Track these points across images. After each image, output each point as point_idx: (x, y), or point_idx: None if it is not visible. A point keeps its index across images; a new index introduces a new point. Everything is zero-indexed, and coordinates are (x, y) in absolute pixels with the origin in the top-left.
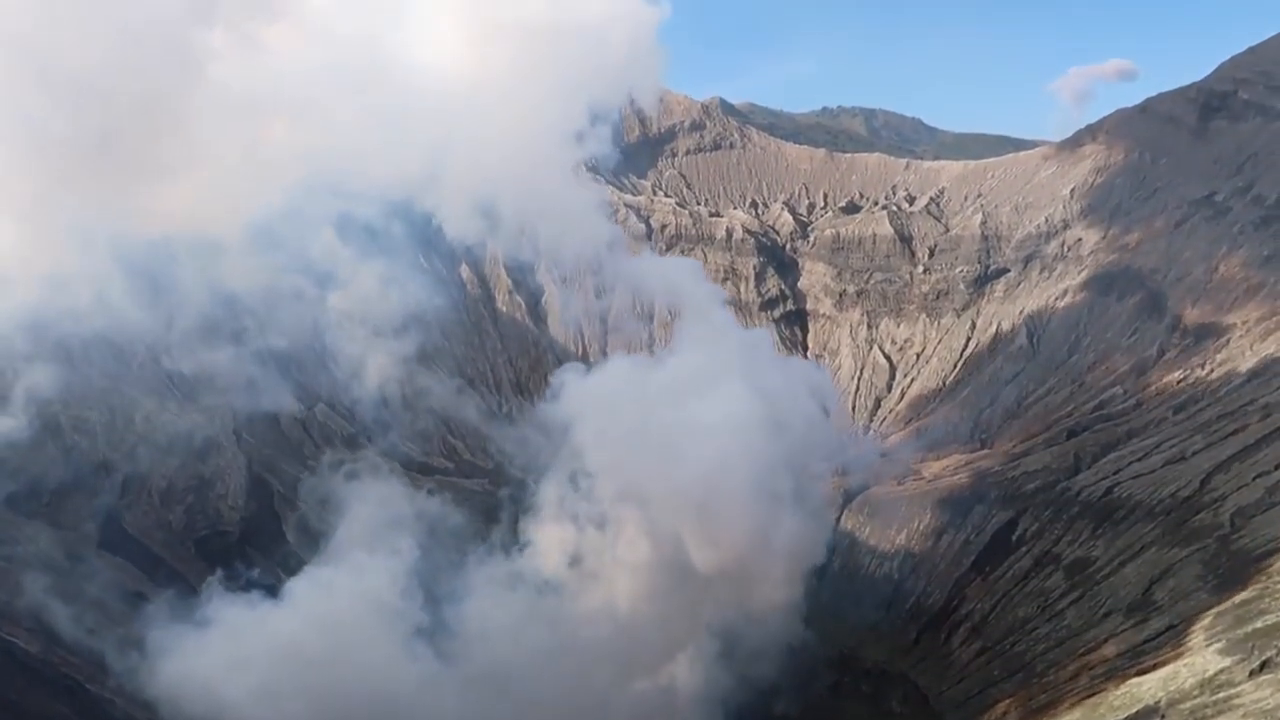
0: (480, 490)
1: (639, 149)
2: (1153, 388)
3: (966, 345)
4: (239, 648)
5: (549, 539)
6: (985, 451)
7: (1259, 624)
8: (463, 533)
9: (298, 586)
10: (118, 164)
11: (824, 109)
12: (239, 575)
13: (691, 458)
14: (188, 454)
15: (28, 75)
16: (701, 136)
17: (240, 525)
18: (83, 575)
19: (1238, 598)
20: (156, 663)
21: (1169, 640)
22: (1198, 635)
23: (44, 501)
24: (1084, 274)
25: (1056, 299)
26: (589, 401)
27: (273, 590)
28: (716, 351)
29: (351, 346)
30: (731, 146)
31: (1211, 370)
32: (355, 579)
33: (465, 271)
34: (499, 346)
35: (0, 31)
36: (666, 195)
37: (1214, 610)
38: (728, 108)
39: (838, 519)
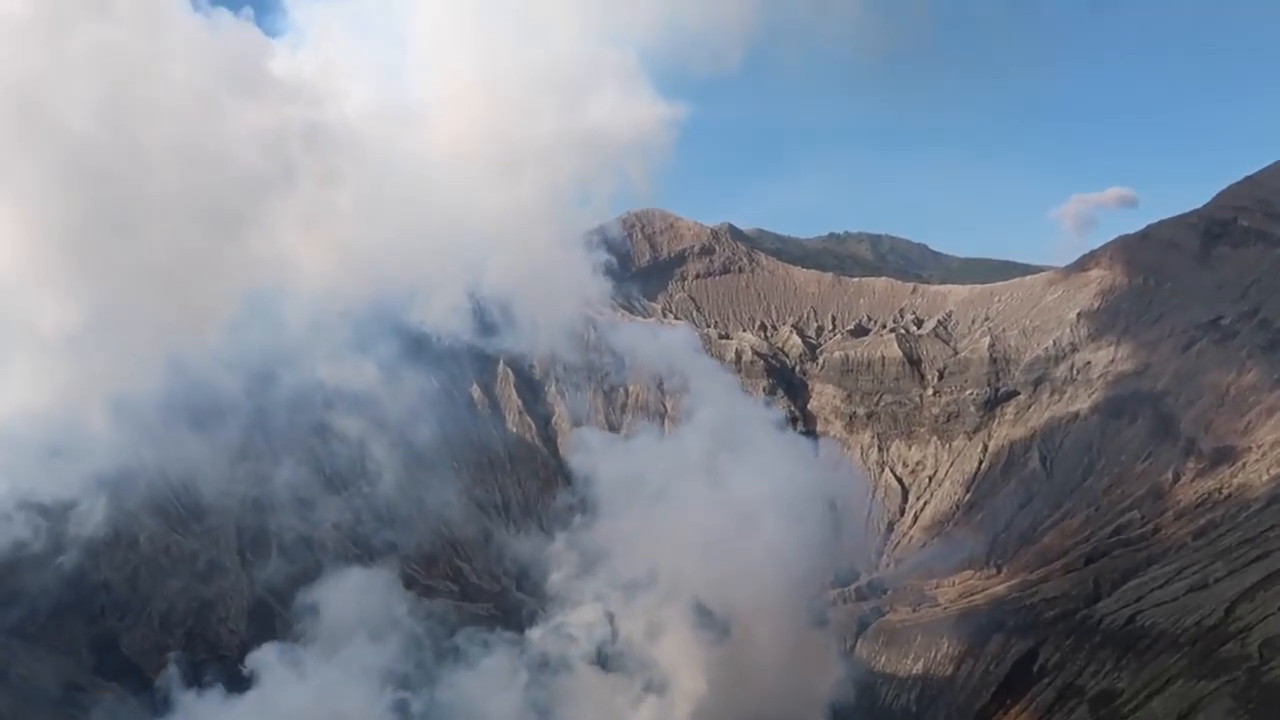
0: (486, 615)
1: (649, 272)
2: (1170, 512)
3: (979, 468)
4: None
5: (571, 628)
6: (1001, 577)
7: None
8: (464, 631)
9: (266, 668)
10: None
11: (831, 234)
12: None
13: (738, 560)
14: (190, 576)
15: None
16: (711, 261)
17: (239, 650)
18: (76, 704)
19: None
20: None
21: None
22: None
23: (40, 624)
24: (1094, 396)
25: (1068, 421)
26: (613, 478)
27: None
28: (737, 429)
29: (357, 467)
30: (740, 270)
31: (1229, 494)
32: (336, 669)
33: (476, 392)
34: (508, 468)
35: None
36: (677, 318)
37: None
38: (736, 233)
39: (853, 647)
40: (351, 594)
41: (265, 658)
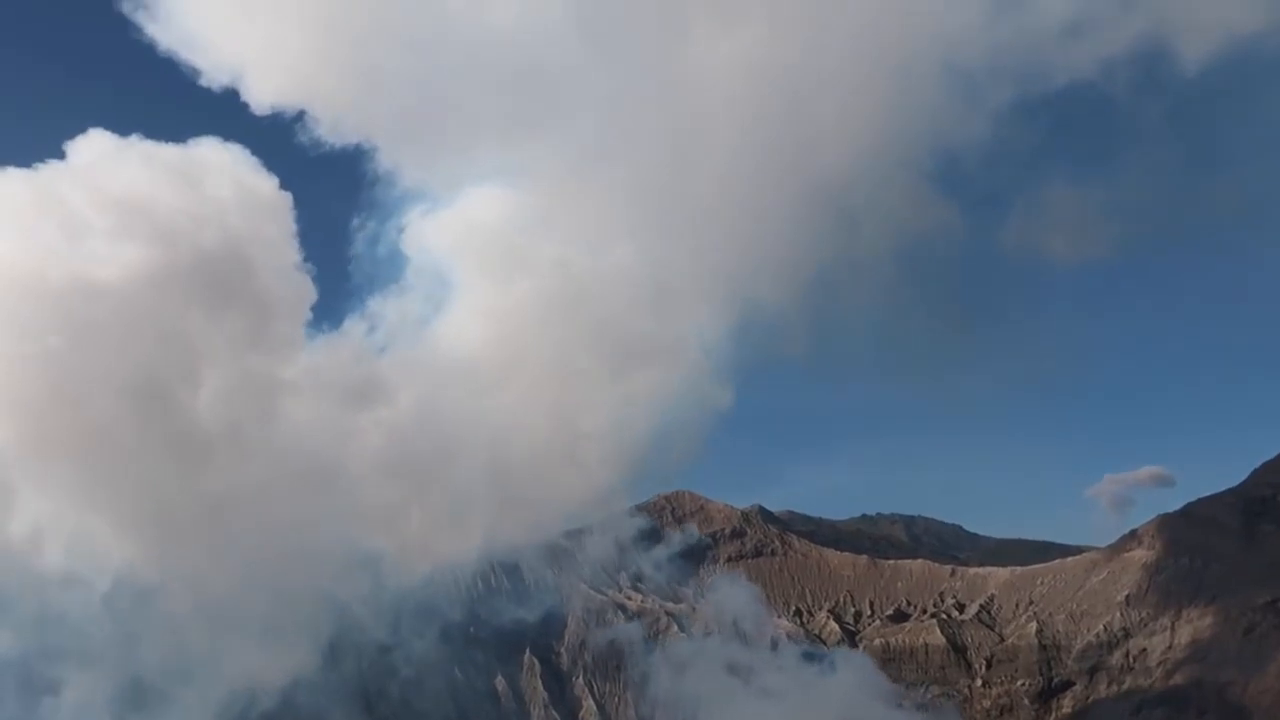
0: None
1: (681, 556)
2: None
3: None
4: None
5: None
6: None
7: None
8: None
9: None
10: None
11: (863, 515)
12: None
13: None
14: None
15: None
16: (743, 544)
17: None
18: None
19: None
20: None
21: None
22: None
23: None
24: (1155, 686)
25: (1131, 714)
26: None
27: None
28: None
29: None
30: (773, 553)
31: None
32: None
33: (500, 684)
34: None
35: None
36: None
37: None
38: (767, 515)
39: None
40: None
41: None
